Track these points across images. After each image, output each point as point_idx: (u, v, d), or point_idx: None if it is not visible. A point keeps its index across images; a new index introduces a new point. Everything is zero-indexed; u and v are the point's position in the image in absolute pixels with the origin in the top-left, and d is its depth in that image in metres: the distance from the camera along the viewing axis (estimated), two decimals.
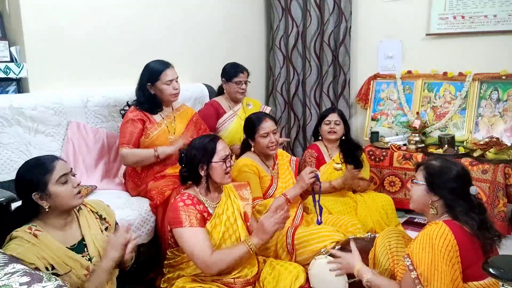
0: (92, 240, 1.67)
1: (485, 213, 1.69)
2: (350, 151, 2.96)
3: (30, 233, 1.52)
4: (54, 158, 1.62)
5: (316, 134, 3.07)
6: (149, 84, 2.48)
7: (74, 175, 1.65)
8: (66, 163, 1.65)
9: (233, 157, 2.03)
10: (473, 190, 1.68)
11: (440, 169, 1.72)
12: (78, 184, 1.63)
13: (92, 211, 1.76)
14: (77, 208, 1.70)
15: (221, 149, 1.96)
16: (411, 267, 1.59)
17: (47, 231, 1.57)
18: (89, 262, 1.63)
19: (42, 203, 1.55)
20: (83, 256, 1.62)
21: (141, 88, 2.50)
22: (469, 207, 1.65)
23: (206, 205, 1.95)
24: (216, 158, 1.93)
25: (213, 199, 1.99)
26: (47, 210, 1.55)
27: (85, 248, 1.65)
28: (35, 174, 1.55)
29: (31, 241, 1.50)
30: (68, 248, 1.59)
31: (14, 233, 1.52)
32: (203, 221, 1.90)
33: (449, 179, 1.68)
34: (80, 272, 1.58)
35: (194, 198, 1.93)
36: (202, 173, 1.94)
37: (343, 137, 2.97)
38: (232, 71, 3.03)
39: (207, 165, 1.93)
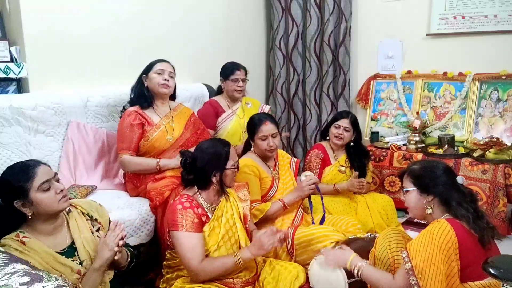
0: (82, 243, 1.64)
1: (476, 202, 1.73)
2: (357, 156, 2.95)
3: (18, 240, 1.50)
4: (36, 164, 1.57)
5: (325, 134, 3.05)
6: (144, 75, 2.53)
7: (58, 180, 1.61)
8: (49, 168, 1.61)
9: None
10: (459, 179, 1.74)
11: (424, 169, 1.77)
12: (62, 190, 1.59)
13: (83, 213, 1.73)
14: (67, 210, 1.67)
15: (233, 154, 1.99)
16: (406, 259, 1.60)
17: (35, 237, 1.55)
18: (80, 266, 1.60)
19: (25, 210, 1.52)
20: (73, 260, 1.60)
21: (137, 80, 2.55)
22: (462, 197, 1.69)
23: (205, 208, 1.95)
24: (229, 165, 1.95)
25: (212, 201, 1.98)
26: (30, 217, 1.53)
27: (76, 252, 1.63)
28: (16, 181, 1.51)
29: (18, 249, 1.48)
30: (58, 252, 1.57)
31: (2, 241, 1.50)
32: (200, 225, 1.89)
33: (437, 175, 1.73)
34: (71, 277, 1.56)
35: (193, 200, 1.92)
36: (214, 179, 1.93)
37: (352, 143, 2.95)
38: (228, 69, 3.03)
39: (222, 172, 1.94)
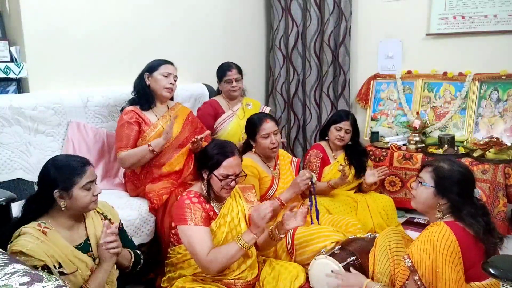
0: (97, 241, 1.67)
1: (489, 215, 1.69)
2: (355, 155, 2.95)
3: (40, 230, 1.52)
4: (86, 163, 1.63)
5: (323, 135, 3.04)
6: (147, 73, 2.50)
7: (96, 183, 1.66)
8: (94, 169, 1.67)
9: (241, 179, 1.98)
10: (476, 192, 1.70)
11: (450, 173, 1.69)
12: (98, 194, 1.65)
13: (98, 212, 1.77)
14: None
15: (227, 166, 1.89)
16: (412, 269, 1.59)
17: (56, 229, 1.58)
18: (94, 262, 1.63)
19: (60, 201, 1.56)
20: (88, 256, 1.63)
21: (139, 77, 2.52)
22: (474, 210, 1.65)
23: (212, 204, 1.96)
24: (217, 172, 1.90)
25: (219, 199, 1.99)
26: (62, 209, 1.57)
27: (90, 248, 1.66)
28: (64, 173, 1.56)
29: (40, 238, 1.50)
30: (74, 247, 1.60)
31: (23, 229, 1.52)
32: (208, 220, 1.89)
33: (458, 183, 1.67)
34: (85, 273, 1.59)
35: (200, 196, 1.93)
36: (205, 176, 1.94)
37: (350, 142, 2.95)
38: (221, 71, 3.04)
39: (209, 173, 1.92)
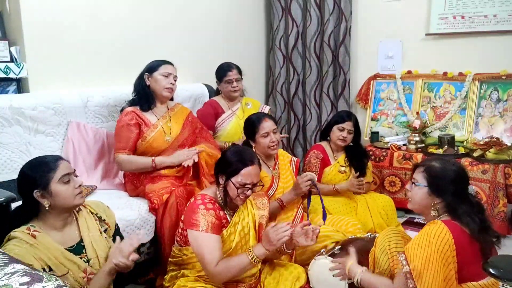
0: (90, 242, 1.66)
1: (484, 213, 1.69)
2: (356, 156, 2.94)
3: (29, 233, 1.52)
4: (58, 158, 1.63)
5: (325, 135, 3.03)
6: (147, 74, 2.51)
7: (76, 176, 1.65)
8: (69, 163, 1.66)
9: (257, 188, 1.98)
10: (471, 189, 1.70)
11: (442, 172, 1.70)
12: (80, 185, 1.63)
13: (92, 213, 1.75)
14: (77, 209, 1.69)
15: (246, 174, 1.88)
16: (404, 262, 1.60)
17: (45, 231, 1.57)
18: (87, 264, 1.62)
19: (43, 201, 1.55)
20: (81, 258, 1.62)
21: (139, 77, 2.53)
22: (469, 208, 1.65)
23: (225, 211, 1.95)
24: (235, 179, 1.88)
25: (231, 206, 1.98)
26: (47, 208, 1.55)
27: (83, 250, 1.64)
28: (38, 171, 1.56)
29: (29, 242, 1.49)
30: (66, 249, 1.59)
31: (12, 233, 1.51)
32: (219, 228, 1.87)
33: (451, 181, 1.68)
34: (77, 274, 1.57)
35: (215, 203, 1.92)
36: (221, 181, 1.92)
37: (350, 143, 2.94)
38: (221, 71, 3.04)
39: (226, 179, 1.90)
